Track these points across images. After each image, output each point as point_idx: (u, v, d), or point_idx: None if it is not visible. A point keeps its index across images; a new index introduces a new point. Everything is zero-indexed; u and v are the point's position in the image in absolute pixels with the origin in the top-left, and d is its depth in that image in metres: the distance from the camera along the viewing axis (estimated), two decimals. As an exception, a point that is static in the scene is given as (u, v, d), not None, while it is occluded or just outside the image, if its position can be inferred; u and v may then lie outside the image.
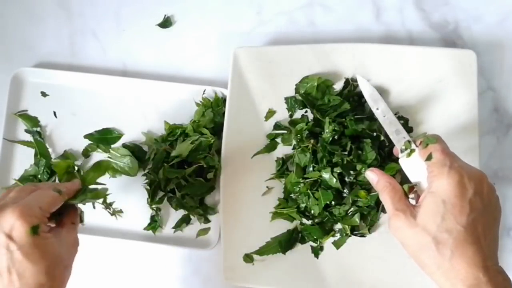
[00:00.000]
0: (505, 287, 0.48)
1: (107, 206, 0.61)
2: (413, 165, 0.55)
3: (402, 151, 0.57)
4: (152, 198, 0.70)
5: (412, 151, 0.56)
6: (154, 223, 0.70)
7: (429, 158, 0.52)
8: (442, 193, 0.48)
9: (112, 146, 0.72)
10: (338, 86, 0.69)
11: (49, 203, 0.52)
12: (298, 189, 0.66)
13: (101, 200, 0.61)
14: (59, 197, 0.54)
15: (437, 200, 0.48)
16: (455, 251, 0.47)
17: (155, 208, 0.70)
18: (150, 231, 0.71)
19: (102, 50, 0.76)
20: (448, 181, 0.48)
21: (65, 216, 0.56)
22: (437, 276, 0.49)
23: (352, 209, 0.65)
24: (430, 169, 0.51)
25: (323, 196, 0.65)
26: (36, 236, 0.48)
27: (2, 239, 0.48)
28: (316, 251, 0.67)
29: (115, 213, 0.63)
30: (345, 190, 0.66)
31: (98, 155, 0.73)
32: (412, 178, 0.55)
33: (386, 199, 0.53)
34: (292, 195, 0.68)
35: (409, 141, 0.57)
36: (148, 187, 0.70)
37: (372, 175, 0.56)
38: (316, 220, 0.67)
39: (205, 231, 0.71)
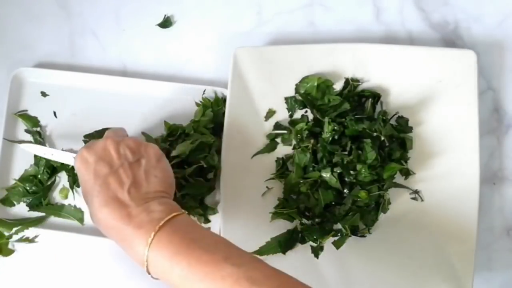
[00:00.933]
0: (150, 219, 0.51)
1: None
2: None
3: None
4: None
5: None
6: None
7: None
8: (79, 178, 0.57)
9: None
10: (338, 86, 0.69)
11: None
12: (298, 189, 0.66)
13: None
14: None
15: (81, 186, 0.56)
16: (101, 217, 0.53)
17: None
18: (150, 231, 0.71)
19: (102, 50, 0.76)
20: (76, 166, 0.57)
21: None
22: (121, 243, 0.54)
23: (352, 209, 0.65)
24: None
25: (323, 196, 0.65)
26: None
27: None
28: (316, 251, 0.67)
29: None
30: (345, 190, 0.66)
31: (98, 155, 0.73)
32: None
33: None
34: (292, 195, 0.68)
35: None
36: None
37: None
38: (316, 220, 0.67)
39: (205, 231, 0.71)
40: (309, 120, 0.69)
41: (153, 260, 0.50)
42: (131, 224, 0.52)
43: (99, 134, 0.72)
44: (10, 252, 0.62)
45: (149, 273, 0.52)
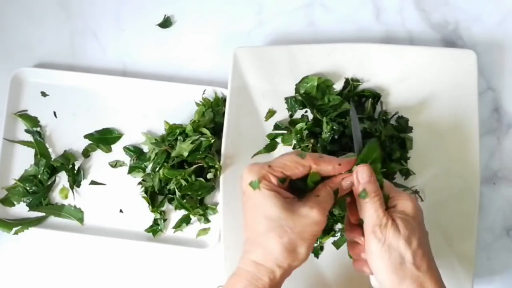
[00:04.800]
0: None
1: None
2: None
3: None
4: (153, 204, 0.70)
5: None
6: (156, 226, 0.70)
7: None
8: (410, 213, 0.53)
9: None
10: (338, 86, 0.69)
11: (282, 164, 0.52)
12: (298, 189, 0.66)
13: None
14: (298, 162, 0.52)
15: (408, 218, 0.52)
16: (428, 262, 0.51)
17: (159, 212, 0.70)
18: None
19: (102, 50, 0.76)
20: (412, 203, 0.53)
21: (314, 189, 0.54)
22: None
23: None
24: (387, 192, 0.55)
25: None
26: (257, 190, 0.51)
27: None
28: (316, 251, 0.67)
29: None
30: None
31: (98, 155, 0.73)
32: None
33: (375, 207, 0.52)
34: (292, 195, 0.67)
35: None
36: (145, 195, 0.70)
37: (365, 174, 0.53)
38: (316, 220, 0.67)
39: (205, 231, 0.71)
40: (309, 120, 0.69)
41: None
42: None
43: (99, 134, 0.73)
44: None
45: None
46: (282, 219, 0.50)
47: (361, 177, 0.53)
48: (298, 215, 0.50)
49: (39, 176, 0.72)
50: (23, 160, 0.73)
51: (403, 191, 0.57)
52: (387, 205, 0.54)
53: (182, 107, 0.72)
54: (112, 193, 0.72)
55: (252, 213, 0.52)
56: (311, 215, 0.50)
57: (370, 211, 0.52)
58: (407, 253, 0.50)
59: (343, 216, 0.66)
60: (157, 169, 0.68)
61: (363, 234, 0.53)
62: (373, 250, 0.51)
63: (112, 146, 0.73)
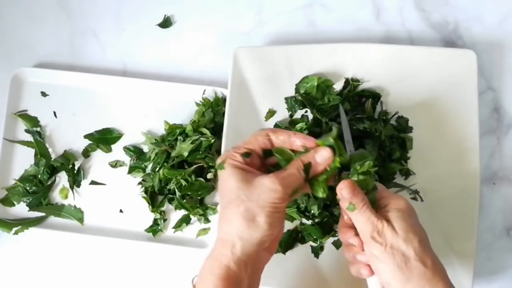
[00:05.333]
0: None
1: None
2: None
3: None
4: (153, 204, 0.70)
5: None
6: (156, 226, 0.70)
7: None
8: (405, 210, 0.53)
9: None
10: (338, 86, 0.69)
11: (244, 142, 0.55)
12: (298, 189, 0.66)
13: None
14: (257, 133, 0.55)
15: (404, 215, 0.52)
16: (432, 259, 0.51)
17: (159, 212, 0.70)
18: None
19: (102, 50, 0.76)
20: (404, 200, 0.54)
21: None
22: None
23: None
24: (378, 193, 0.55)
25: (323, 196, 0.65)
26: (223, 170, 0.53)
27: None
28: (316, 251, 0.67)
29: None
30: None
31: (98, 155, 0.73)
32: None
33: (366, 216, 0.52)
34: (292, 195, 0.67)
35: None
36: (145, 195, 0.70)
37: (347, 190, 0.52)
38: (316, 220, 0.67)
39: (205, 231, 0.71)
40: (309, 120, 0.69)
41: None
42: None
43: (99, 134, 0.73)
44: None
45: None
46: (240, 190, 0.51)
47: (345, 193, 0.52)
48: (255, 184, 0.51)
49: (39, 176, 0.72)
50: (23, 160, 0.73)
51: (402, 191, 0.58)
52: (379, 205, 0.53)
53: (182, 107, 0.72)
54: (112, 193, 0.72)
55: (220, 192, 0.54)
56: (266, 182, 0.51)
57: (362, 219, 0.52)
58: (409, 250, 0.50)
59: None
60: (157, 169, 0.69)
61: (356, 234, 0.53)
62: (376, 254, 0.51)
63: (112, 146, 0.73)
